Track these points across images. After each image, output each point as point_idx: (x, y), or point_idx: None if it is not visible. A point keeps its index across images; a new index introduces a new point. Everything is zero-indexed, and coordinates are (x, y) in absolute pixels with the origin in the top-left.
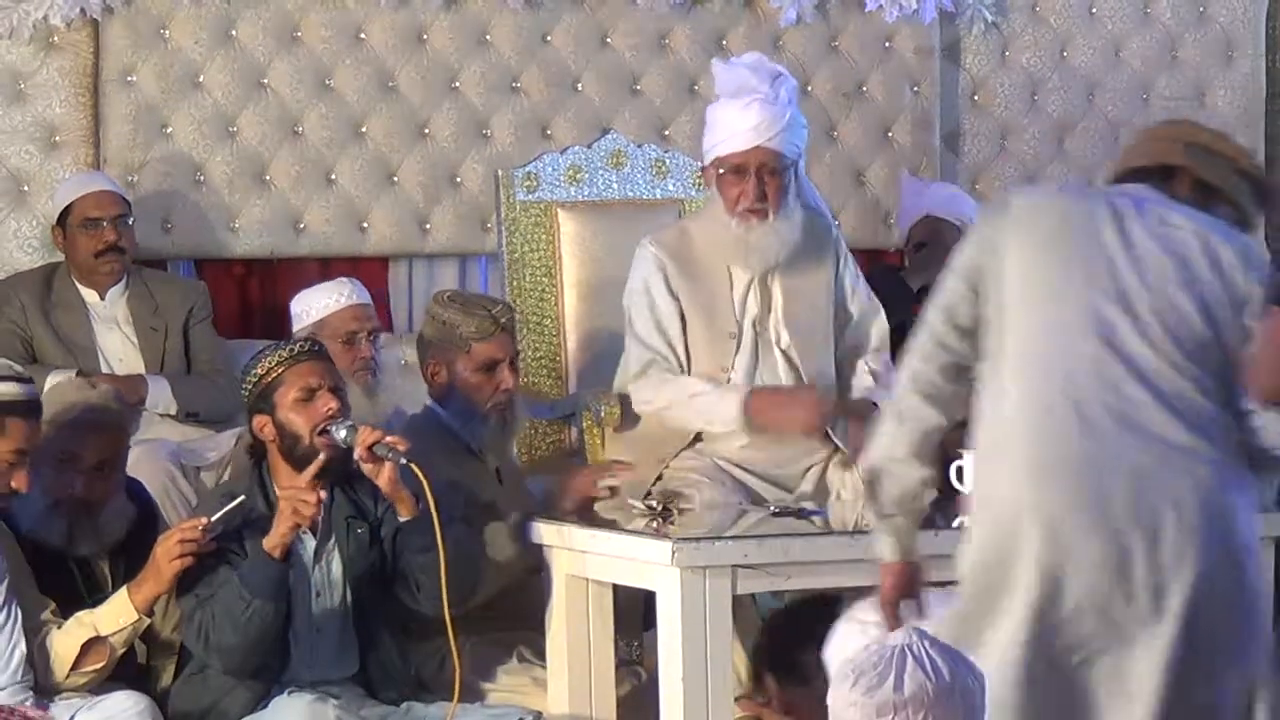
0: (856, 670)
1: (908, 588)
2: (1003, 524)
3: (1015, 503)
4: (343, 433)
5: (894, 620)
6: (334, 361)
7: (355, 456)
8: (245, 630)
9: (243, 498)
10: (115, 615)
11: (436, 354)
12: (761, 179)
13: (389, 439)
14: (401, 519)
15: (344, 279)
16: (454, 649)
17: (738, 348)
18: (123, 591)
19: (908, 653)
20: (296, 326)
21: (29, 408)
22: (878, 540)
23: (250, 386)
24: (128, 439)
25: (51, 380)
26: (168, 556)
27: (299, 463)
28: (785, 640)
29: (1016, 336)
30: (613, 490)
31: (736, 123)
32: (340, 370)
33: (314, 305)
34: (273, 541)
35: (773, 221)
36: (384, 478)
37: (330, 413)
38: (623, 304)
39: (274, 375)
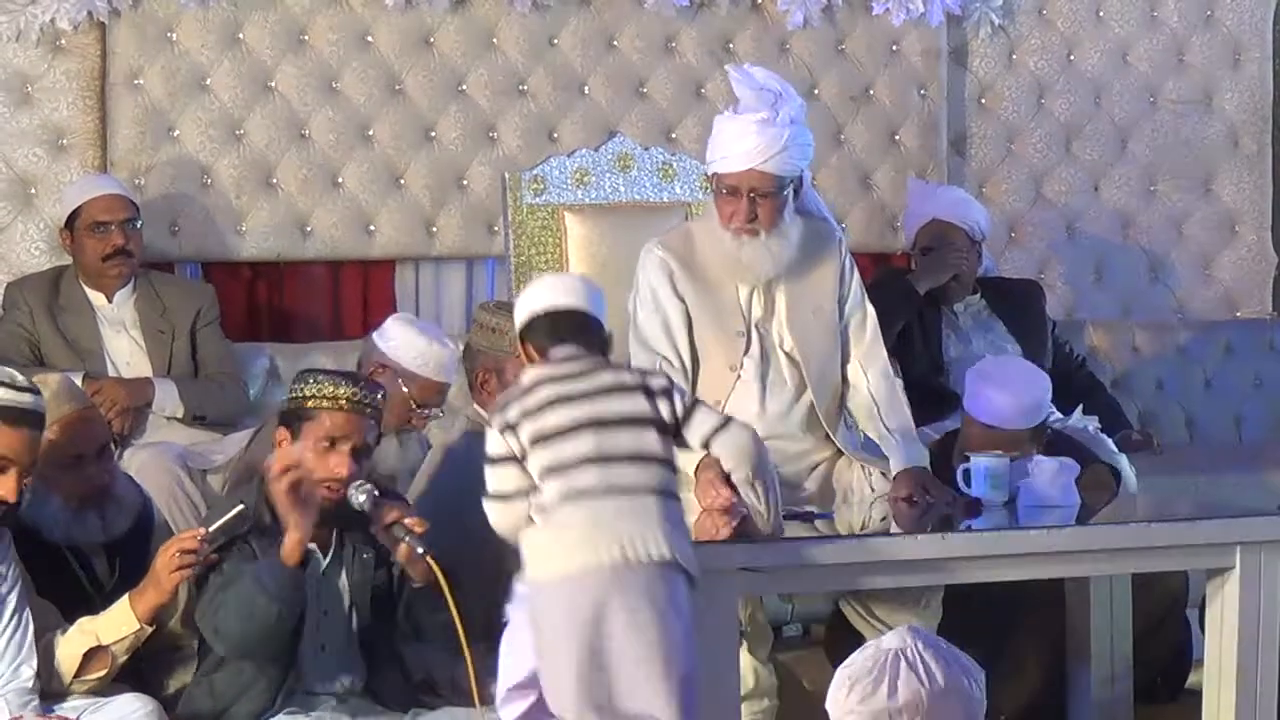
0: (852, 677)
1: None
2: None
3: None
4: (361, 497)
5: None
6: (376, 414)
7: (372, 530)
8: (250, 623)
9: (241, 506)
10: (117, 624)
11: (485, 361)
12: (754, 200)
13: (408, 521)
14: (414, 585)
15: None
16: (469, 667)
17: (746, 347)
18: (124, 600)
19: (901, 658)
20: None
21: (17, 415)
22: None
23: (292, 397)
24: (104, 418)
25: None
26: (167, 568)
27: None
28: None
29: None
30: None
31: (734, 144)
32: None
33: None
34: (285, 550)
35: (764, 239)
36: (399, 551)
37: (337, 476)
38: (627, 306)
39: (313, 405)
